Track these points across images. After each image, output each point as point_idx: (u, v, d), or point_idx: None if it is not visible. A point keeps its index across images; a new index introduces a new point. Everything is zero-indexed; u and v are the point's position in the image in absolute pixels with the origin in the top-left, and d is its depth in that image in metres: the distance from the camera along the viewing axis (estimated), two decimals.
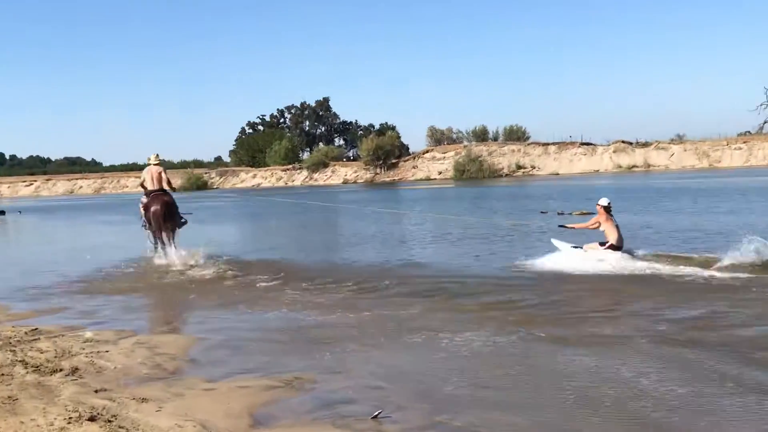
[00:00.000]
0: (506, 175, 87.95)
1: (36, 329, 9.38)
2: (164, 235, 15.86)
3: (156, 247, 16.19)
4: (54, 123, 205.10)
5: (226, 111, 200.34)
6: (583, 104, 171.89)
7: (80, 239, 25.22)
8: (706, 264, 12.04)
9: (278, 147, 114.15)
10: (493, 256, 14.91)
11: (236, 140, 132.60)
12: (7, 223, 39.45)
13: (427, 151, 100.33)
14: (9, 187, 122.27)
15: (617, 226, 13.11)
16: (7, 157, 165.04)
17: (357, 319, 9.48)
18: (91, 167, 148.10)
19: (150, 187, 16.09)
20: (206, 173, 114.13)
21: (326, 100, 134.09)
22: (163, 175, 16.08)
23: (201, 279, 13.71)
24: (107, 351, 8.07)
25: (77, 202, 71.81)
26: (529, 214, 25.99)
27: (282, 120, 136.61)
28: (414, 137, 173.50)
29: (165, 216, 15.74)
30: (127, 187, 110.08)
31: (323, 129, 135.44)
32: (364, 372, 7.02)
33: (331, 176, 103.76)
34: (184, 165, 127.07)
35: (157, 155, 16.24)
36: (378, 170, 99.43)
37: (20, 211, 50.53)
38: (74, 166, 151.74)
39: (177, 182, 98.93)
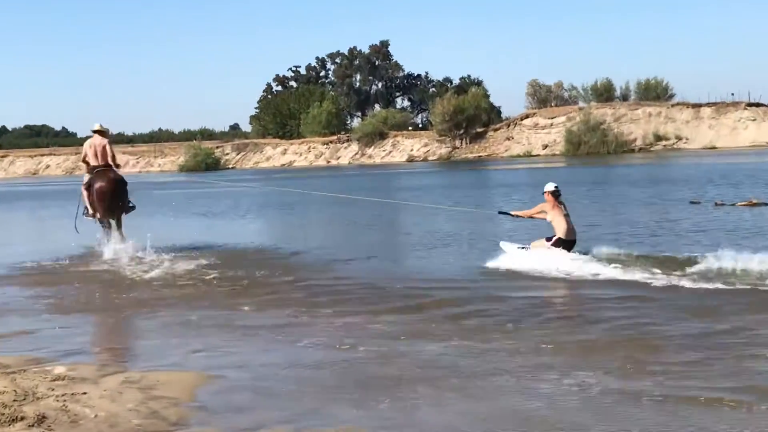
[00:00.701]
0: (640, 149, 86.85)
1: None
2: (109, 219, 17.74)
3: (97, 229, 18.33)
4: (11, 79, 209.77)
5: (246, 61, 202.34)
6: (750, 50, 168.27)
7: (47, 239, 25.73)
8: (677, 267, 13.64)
9: (318, 111, 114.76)
10: (628, 263, 14.62)
11: (259, 102, 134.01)
12: None
13: (528, 116, 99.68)
14: None
15: (567, 216, 14.98)
16: None
17: (426, 351, 9.49)
18: (61, 139, 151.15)
19: (93, 163, 17.89)
20: (218, 147, 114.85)
21: (384, 45, 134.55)
22: (107, 148, 17.88)
23: (205, 293, 13.93)
24: (85, 393, 8.18)
25: (43, 187, 73.42)
26: (677, 205, 25.59)
27: (323, 73, 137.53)
28: (508, 96, 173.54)
29: (112, 195, 17.46)
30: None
31: (380, 86, 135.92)
32: (438, 426, 7.03)
33: (391, 152, 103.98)
34: (188, 136, 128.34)
35: (101, 125, 18.11)
36: (457, 143, 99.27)
37: None
38: (38, 137, 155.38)
39: (179, 160, 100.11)
